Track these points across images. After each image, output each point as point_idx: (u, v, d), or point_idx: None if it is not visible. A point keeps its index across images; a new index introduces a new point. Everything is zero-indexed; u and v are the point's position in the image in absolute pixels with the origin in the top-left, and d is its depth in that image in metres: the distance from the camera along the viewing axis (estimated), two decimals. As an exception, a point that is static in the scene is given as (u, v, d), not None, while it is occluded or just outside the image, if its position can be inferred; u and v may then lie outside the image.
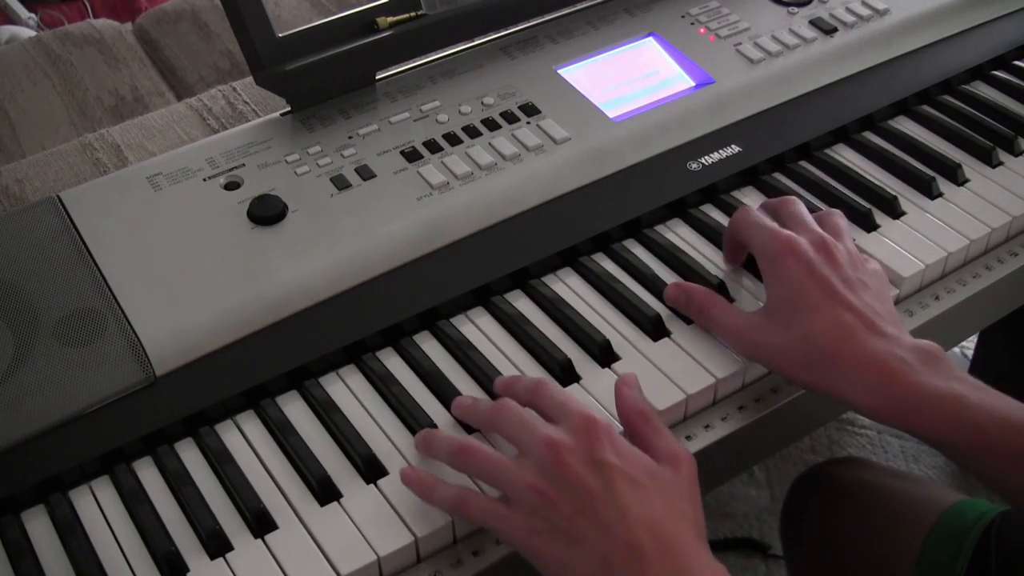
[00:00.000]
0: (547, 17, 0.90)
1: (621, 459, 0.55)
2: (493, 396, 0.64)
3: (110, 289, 0.68)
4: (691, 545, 0.53)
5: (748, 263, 0.73)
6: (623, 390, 0.61)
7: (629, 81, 0.85)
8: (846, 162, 0.82)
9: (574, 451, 0.55)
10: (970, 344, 1.44)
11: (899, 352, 0.60)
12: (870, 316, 0.61)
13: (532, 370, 0.67)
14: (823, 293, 0.62)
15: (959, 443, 0.58)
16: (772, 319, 0.64)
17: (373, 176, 0.76)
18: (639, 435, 0.59)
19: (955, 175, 0.81)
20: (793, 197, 0.70)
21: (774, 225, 0.66)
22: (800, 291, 0.62)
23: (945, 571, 0.69)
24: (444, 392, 0.65)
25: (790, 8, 0.92)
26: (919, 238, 0.76)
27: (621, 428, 0.61)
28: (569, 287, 0.72)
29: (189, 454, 0.63)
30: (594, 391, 0.65)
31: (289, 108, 0.81)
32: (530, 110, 0.81)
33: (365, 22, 0.81)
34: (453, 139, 0.79)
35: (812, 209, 0.77)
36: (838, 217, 0.70)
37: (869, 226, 0.76)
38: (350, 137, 0.79)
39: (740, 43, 0.88)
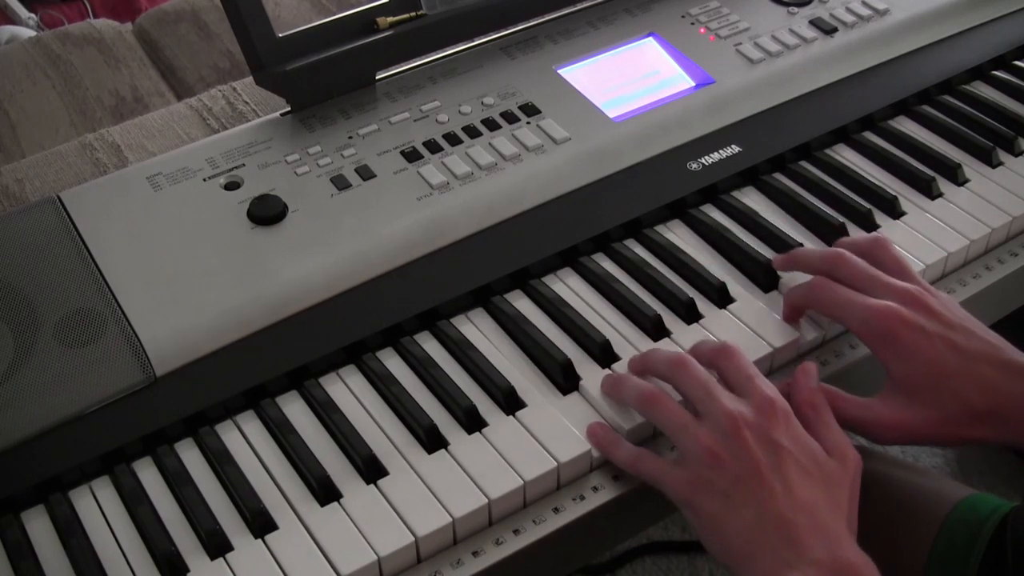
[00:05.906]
0: (547, 17, 0.90)
1: (793, 443, 0.58)
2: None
3: (110, 289, 0.68)
4: (843, 533, 0.56)
5: (742, 263, 0.73)
6: (801, 379, 0.63)
7: (629, 81, 0.85)
8: (846, 162, 0.82)
9: (753, 426, 0.58)
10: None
11: None
12: (999, 356, 0.62)
13: (532, 371, 0.67)
14: (952, 353, 0.62)
15: None
16: (911, 396, 0.62)
17: (373, 176, 0.76)
18: (810, 425, 0.61)
19: (955, 175, 0.81)
20: (879, 238, 0.69)
21: (863, 298, 0.64)
22: (930, 361, 0.62)
23: (960, 562, 0.69)
24: (444, 390, 0.65)
25: (790, 8, 0.92)
26: (919, 238, 0.76)
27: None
28: (569, 287, 0.72)
29: (189, 454, 0.63)
30: (595, 391, 0.65)
31: (289, 108, 0.81)
32: (530, 110, 0.81)
33: (365, 22, 0.81)
34: (453, 139, 0.79)
35: (813, 210, 0.77)
36: (889, 247, 0.68)
37: (869, 226, 0.76)
38: (350, 137, 0.79)
39: (740, 43, 0.88)
